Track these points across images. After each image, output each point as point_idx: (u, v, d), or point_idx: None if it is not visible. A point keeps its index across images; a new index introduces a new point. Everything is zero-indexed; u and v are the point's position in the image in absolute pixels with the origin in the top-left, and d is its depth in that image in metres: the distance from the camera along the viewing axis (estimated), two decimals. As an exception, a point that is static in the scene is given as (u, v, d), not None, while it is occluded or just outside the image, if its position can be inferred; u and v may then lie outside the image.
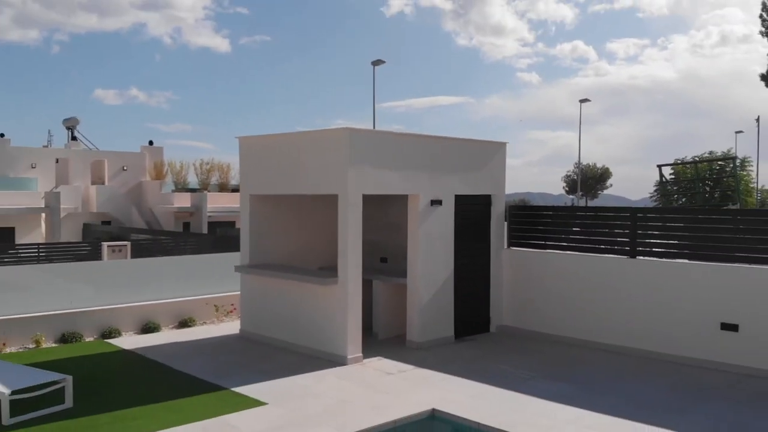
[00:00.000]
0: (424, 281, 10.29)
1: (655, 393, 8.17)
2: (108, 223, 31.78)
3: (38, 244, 21.00)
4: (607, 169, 63.42)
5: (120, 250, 19.09)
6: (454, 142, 10.82)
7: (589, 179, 62.68)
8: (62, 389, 7.48)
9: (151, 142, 35.57)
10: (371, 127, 28.35)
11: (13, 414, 7.00)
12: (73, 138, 34.74)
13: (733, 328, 9.03)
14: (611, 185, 64.55)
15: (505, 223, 11.74)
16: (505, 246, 11.67)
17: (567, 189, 64.80)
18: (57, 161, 32.28)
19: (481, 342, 10.80)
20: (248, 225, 10.90)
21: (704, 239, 9.74)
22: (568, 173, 64.52)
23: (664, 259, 9.85)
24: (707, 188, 21.95)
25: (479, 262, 11.21)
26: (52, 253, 19.31)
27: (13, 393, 7.02)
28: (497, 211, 11.44)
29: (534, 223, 11.68)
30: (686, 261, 9.67)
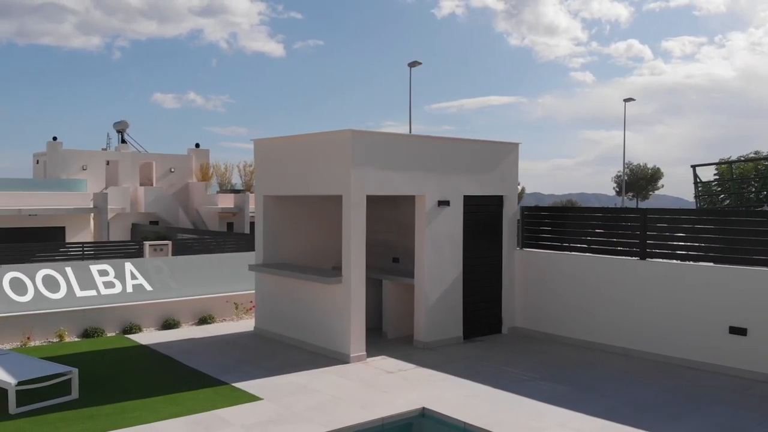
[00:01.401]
0: (432, 281, 10.34)
1: (656, 397, 8.05)
2: (156, 223, 32.74)
3: (83, 243, 21.86)
4: (659, 169, 61.91)
5: (161, 249, 19.74)
6: (462, 143, 10.84)
7: (639, 180, 61.30)
8: (69, 381, 7.84)
9: (197, 145, 36.42)
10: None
11: (20, 404, 7.39)
12: (123, 141, 35.86)
13: (741, 332, 8.81)
14: (663, 186, 63.02)
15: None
16: (518, 247, 11.62)
17: (617, 190, 63.54)
18: (108, 163, 33.41)
19: (490, 343, 10.79)
20: (262, 225, 11.16)
21: (714, 241, 9.52)
22: (618, 173, 63.28)
23: (672, 261, 9.67)
24: (752, 188, 21.23)
25: (490, 263, 11.20)
26: (99, 251, 20.16)
27: (20, 384, 7.40)
28: (509, 211, 11.40)
29: (547, 224, 11.60)
30: (695, 263, 9.47)
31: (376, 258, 12.07)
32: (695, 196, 18.73)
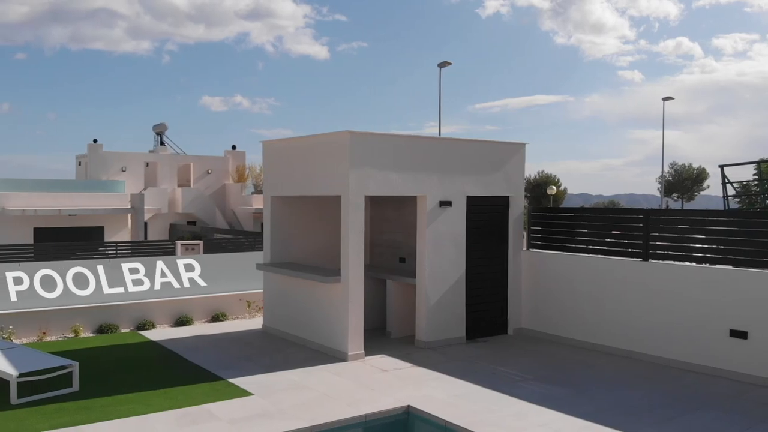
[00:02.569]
0: (433, 281, 10.39)
1: (648, 400, 7.95)
2: (193, 223, 33.47)
3: (116, 242, 22.59)
4: (704, 169, 60.37)
5: (193, 249, 20.27)
6: (465, 144, 10.86)
7: (684, 180, 59.89)
8: (70, 374, 8.17)
9: (234, 147, 37.09)
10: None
11: (22, 395, 7.73)
12: (162, 143, 36.74)
13: (741, 335, 8.63)
14: (708, 186, 61.45)
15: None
16: (525, 248, 11.58)
17: (661, 191, 62.19)
18: (147, 165, 34.30)
19: (493, 344, 10.77)
20: (270, 225, 11.38)
21: (718, 242, 9.34)
22: (663, 174, 61.92)
23: (674, 262, 9.52)
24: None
25: (495, 264, 11.18)
26: (136, 250, 20.90)
27: (21, 375, 7.74)
28: (515, 212, 11.37)
29: (554, 224, 11.52)
30: (696, 264, 9.31)
31: (383, 258, 12.20)
32: (723, 197, 18.27)
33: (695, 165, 63.07)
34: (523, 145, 11.53)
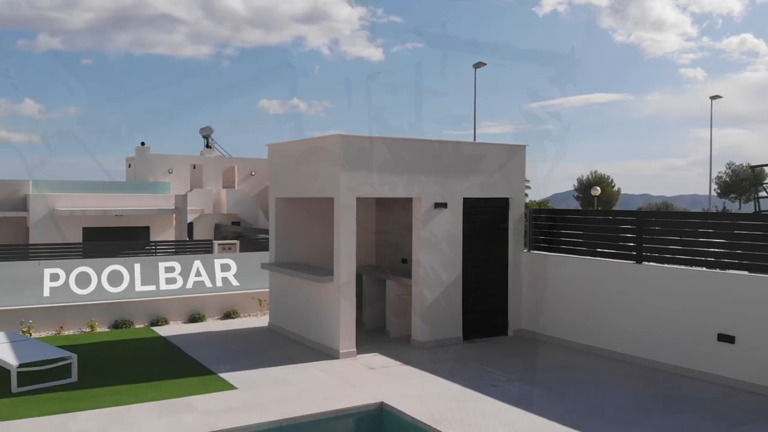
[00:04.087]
0: (428, 282, 10.54)
1: (625, 402, 7.94)
2: (237, 223, 34.35)
3: (156, 241, 23.50)
4: (763, 169, 58.05)
5: (230, 248, 20.98)
6: (463, 146, 10.96)
7: (743, 181, 57.86)
8: (69, 365, 8.67)
9: (276, 149, 37.81)
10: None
11: (22, 384, 8.25)
12: (208, 146, 37.76)
13: (729, 339, 8.49)
14: (768, 187, 58.98)
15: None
16: (526, 249, 11.59)
17: (718, 191, 60.27)
18: (194, 167, 35.35)
19: (489, 345, 10.83)
20: (274, 225, 11.72)
21: (712, 245, 9.20)
22: (719, 174, 60.01)
23: (665, 265, 9.41)
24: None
25: (494, 265, 11.24)
26: (179, 249, 21.81)
27: (21, 366, 8.27)
28: (515, 214, 11.40)
29: (554, 226, 11.49)
30: (686, 267, 9.18)
31: (387, 259, 12.40)
32: (754, 198, 17.79)
33: (753, 164, 60.86)
34: (524, 147, 11.54)
